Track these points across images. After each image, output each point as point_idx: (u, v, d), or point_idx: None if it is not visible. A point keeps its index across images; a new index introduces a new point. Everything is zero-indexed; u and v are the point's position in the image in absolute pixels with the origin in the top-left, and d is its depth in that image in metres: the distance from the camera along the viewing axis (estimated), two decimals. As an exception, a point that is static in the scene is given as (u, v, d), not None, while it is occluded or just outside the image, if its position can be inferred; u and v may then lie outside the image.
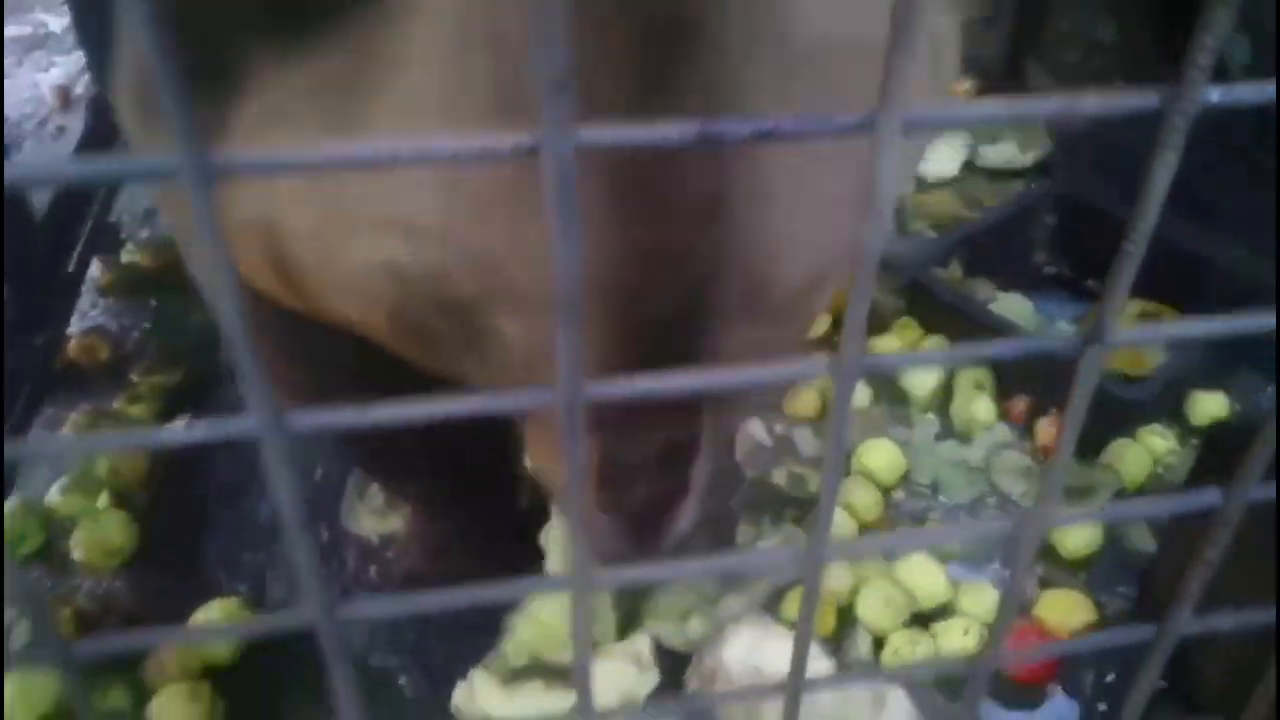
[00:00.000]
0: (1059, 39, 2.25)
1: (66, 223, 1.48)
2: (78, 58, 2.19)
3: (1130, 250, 0.30)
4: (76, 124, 1.91)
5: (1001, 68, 2.05)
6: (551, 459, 0.67)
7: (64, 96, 1.99)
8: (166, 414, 1.31)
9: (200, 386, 1.35)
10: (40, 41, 2.23)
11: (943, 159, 1.85)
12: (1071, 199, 1.60)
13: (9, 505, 1.14)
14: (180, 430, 0.27)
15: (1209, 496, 0.37)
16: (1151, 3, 1.98)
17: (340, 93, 0.51)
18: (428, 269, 0.52)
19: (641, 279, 0.50)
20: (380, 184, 0.51)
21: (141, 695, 0.99)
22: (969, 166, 1.85)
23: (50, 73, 2.09)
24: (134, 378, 1.32)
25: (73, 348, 1.36)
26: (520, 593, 0.39)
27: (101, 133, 1.74)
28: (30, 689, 0.97)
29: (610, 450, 0.59)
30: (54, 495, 1.17)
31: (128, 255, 1.56)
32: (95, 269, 1.54)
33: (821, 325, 1.34)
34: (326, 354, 0.69)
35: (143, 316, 1.50)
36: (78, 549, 1.13)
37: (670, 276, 0.51)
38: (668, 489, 0.63)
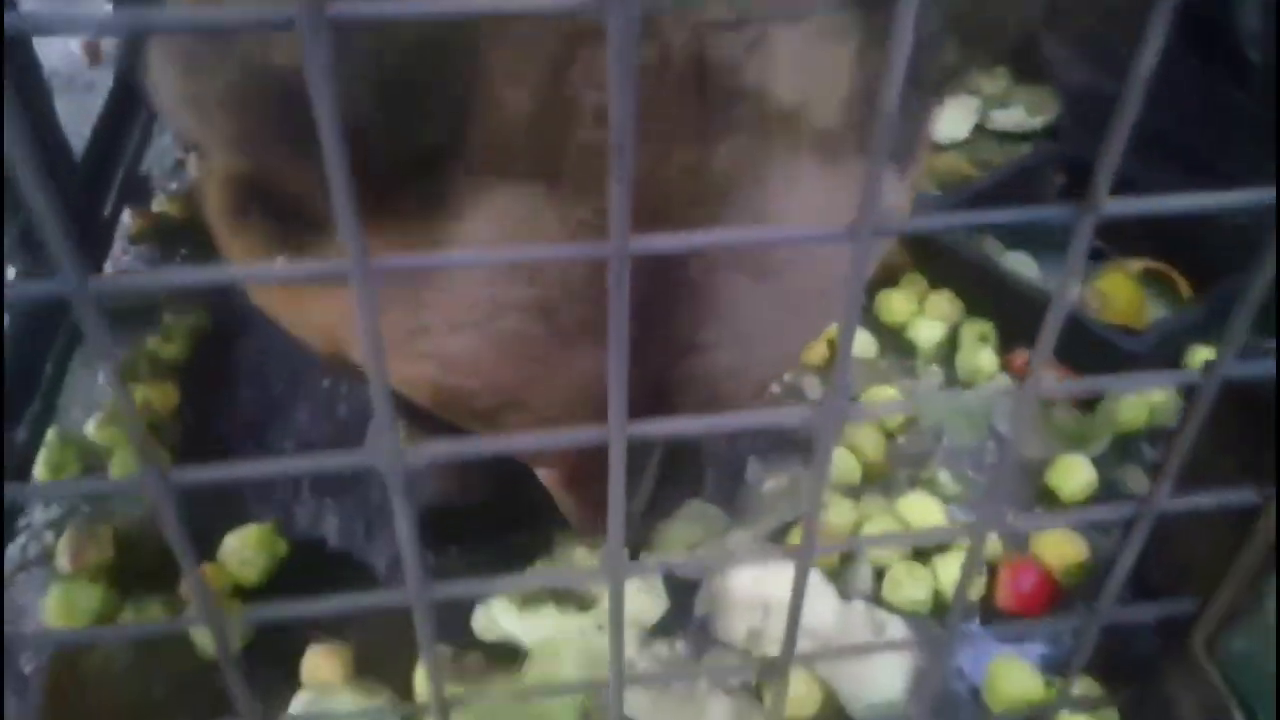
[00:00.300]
0: (1074, 5, 2.26)
1: (100, 171, 1.53)
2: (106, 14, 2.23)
3: (1119, 123, 0.33)
4: (105, 80, 1.95)
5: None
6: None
7: (93, 53, 2.03)
8: (196, 353, 1.36)
9: (226, 329, 1.40)
10: (71, 1, 2.27)
11: (953, 122, 1.87)
12: (1079, 159, 1.63)
13: (49, 435, 1.19)
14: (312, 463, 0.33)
15: (1188, 376, 0.41)
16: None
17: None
18: (456, 388, 0.67)
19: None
20: (425, 320, 0.64)
21: (177, 611, 1.05)
22: (979, 129, 1.87)
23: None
24: (166, 318, 1.37)
25: (107, 290, 1.41)
26: (558, 582, 0.44)
27: (129, 88, 1.78)
28: (72, 600, 1.03)
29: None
30: (90, 427, 1.23)
31: (158, 206, 1.61)
32: (127, 218, 1.59)
33: (817, 352, 1.38)
34: None
35: (173, 262, 1.55)
36: (118, 476, 1.18)
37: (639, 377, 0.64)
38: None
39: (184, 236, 1.58)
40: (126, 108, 1.69)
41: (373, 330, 0.32)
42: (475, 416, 0.70)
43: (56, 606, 1.02)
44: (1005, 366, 1.36)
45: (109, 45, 2.08)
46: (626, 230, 0.30)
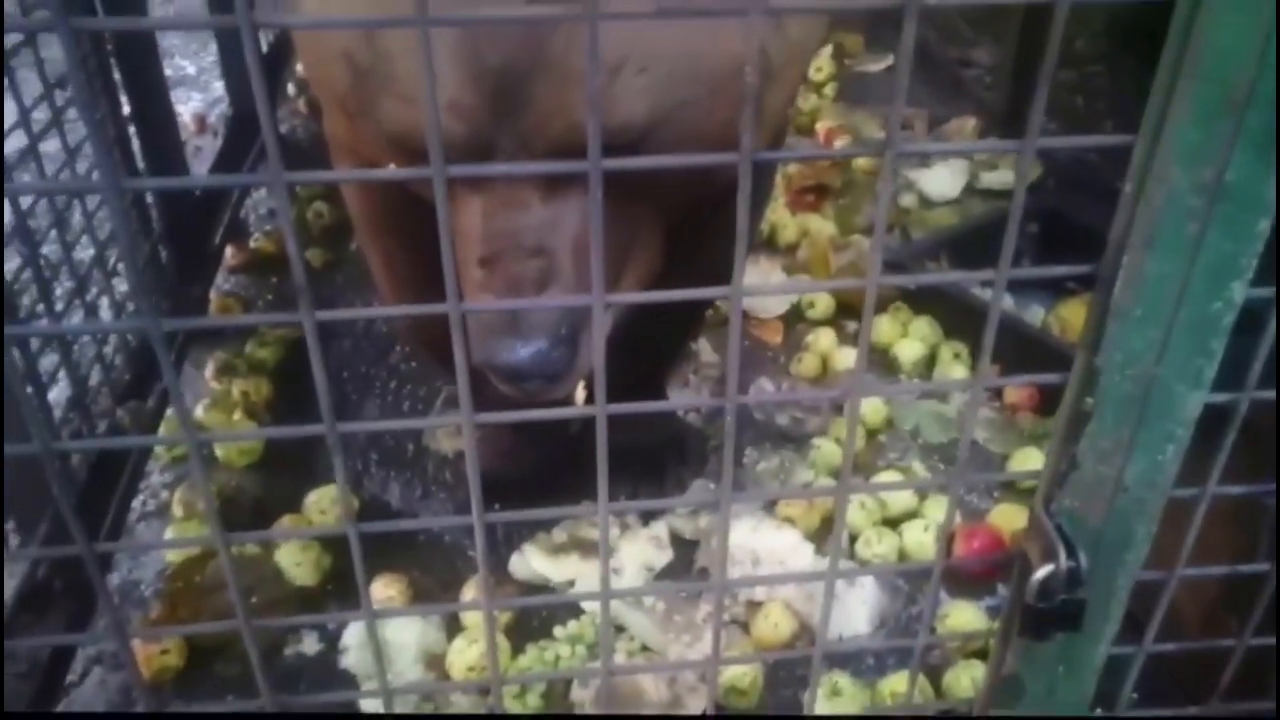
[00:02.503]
0: (1059, 85, 2.51)
1: (209, 214, 1.82)
2: (211, 94, 2.60)
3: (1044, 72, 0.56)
4: (208, 145, 2.28)
5: (1005, 109, 2.31)
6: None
7: (200, 123, 2.37)
8: (287, 358, 1.61)
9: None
10: (180, 81, 2.63)
11: (946, 182, 2.11)
12: (1052, 210, 1.85)
13: (167, 413, 1.44)
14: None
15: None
16: (1138, 55, 2.24)
17: None
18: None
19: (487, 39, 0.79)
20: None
21: (270, 548, 1.28)
22: (969, 189, 2.11)
23: (189, 105, 2.48)
24: (261, 329, 1.63)
25: (214, 305, 1.69)
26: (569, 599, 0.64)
27: (229, 153, 2.09)
28: (184, 537, 1.26)
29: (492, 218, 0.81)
30: (199, 411, 1.48)
31: (253, 243, 1.90)
32: (228, 254, 1.87)
33: (811, 368, 1.60)
34: (417, 239, 0.93)
35: (265, 290, 1.83)
36: (219, 451, 1.43)
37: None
38: (531, 266, 0.83)
39: (273, 268, 1.86)
40: (232, 165, 2.00)
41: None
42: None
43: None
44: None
45: (213, 118, 2.42)
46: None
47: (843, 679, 1.12)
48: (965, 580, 1.28)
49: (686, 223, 1.01)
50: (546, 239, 0.86)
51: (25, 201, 1.22)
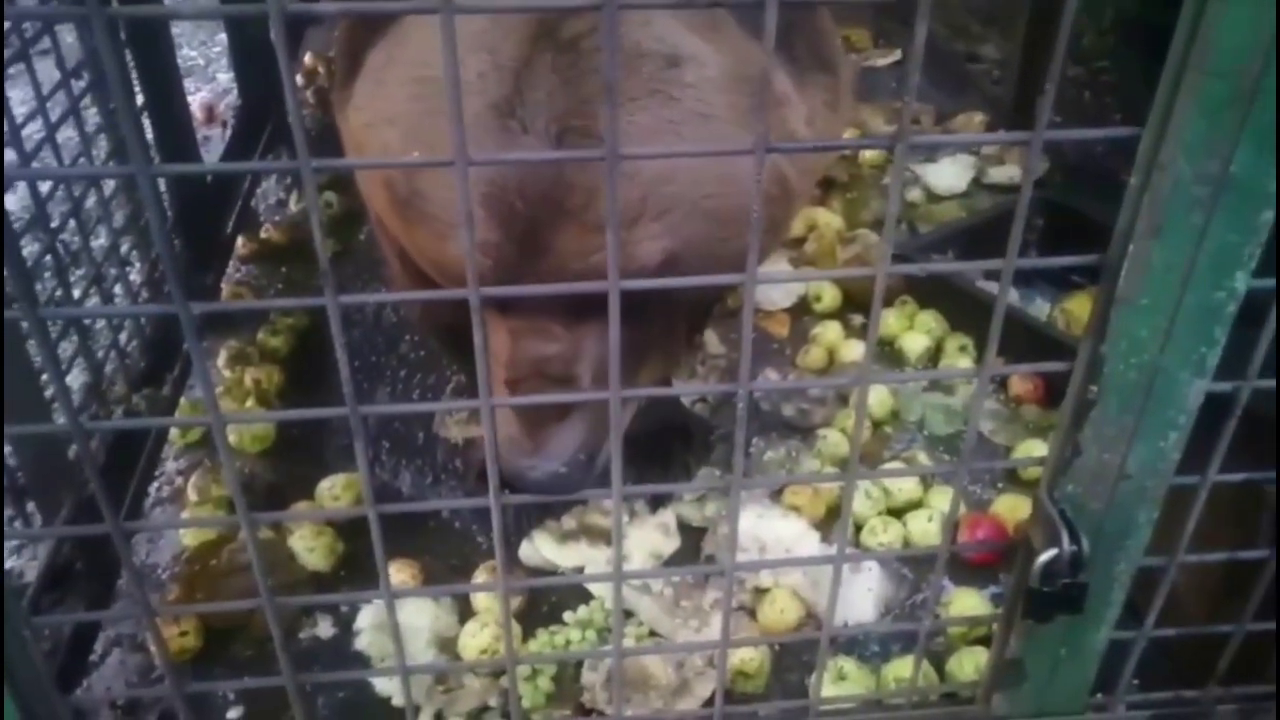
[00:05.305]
0: (1066, 80, 2.51)
1: (221, 204, 1.84)
2: (219, 84, 2.61)
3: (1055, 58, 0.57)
4: (217, 135, 2.30)
5: (1012, 104, 2.32)
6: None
7: (209, 113, 2.38)
8: (297, 346, 1.63)
9: (325, 326, 1.67)
10: (189, 71, 2.64)
11: (953, 176, 2.12)
12: (1059, 205, 1.85)
13: (181, 401, 1.46)
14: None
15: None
16: (1144, 50, 2.25)
17: None
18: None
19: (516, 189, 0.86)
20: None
21: (284, 533, 1.29)
22: (976, 183, 2.12)
23: (198, 95, 2.49)
24: (272, 317, 1.65)
25: (225, 294, 1.71)
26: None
27: (238, 143, 2.10)
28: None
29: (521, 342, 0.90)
30: (212, 399, 1.49)
31: (264, 234, 1.92)
32: (239, 243, 1.89)
33: (818, 359, 1.62)
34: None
35: (275, 279, 1.85)
36: (231, 438, 1.45)
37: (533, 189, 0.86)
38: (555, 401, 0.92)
39: (284, 258, 1.88)
40: (241, 155, 2.02)
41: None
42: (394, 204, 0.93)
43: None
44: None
45: (221, 107, 2.43)
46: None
47: (848, 664, 1.14)
48: (969, 568, 1.29)
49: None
50: (568, 367, 0.94)
51: (43, 189, 1.24)
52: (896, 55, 2.64)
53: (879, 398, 1.51)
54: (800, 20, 1.00)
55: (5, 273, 0.68)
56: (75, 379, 1.29)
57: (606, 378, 0.90)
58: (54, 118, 1.22)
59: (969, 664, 1.12)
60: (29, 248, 1.21)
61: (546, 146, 0.85)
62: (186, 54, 2.77)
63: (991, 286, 1.72)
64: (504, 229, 0.87)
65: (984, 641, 1.16)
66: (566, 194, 0.86)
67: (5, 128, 1.08)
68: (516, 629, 1.18)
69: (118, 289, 1.40)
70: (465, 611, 1.22)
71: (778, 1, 0.50)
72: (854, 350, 1.61)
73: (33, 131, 1.17)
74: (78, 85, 1.30)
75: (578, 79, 0.83)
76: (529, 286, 0.86)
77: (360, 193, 1.18)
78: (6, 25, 1.14)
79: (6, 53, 1.11)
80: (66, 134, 1.28)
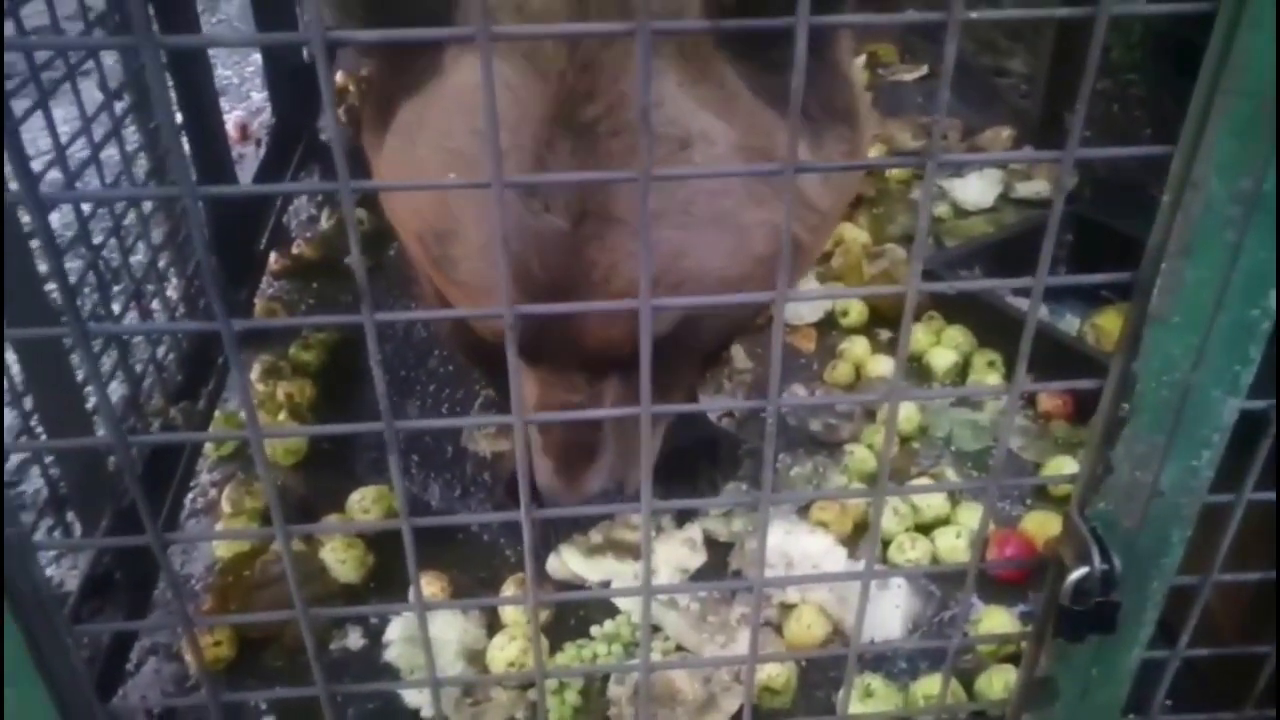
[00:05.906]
0: (1095, 94, 2.50)
1: (254, 221, 1.87)
2: (252, 103, 2.66)
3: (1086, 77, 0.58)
4: (250, 153, 2.34)
5: (1040, 119, 2.31)
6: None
7: (243, 131, 2.43)
8: (328, 361, 1.65)
9: (356, 342, 1.69)
10: (223, 91, 2.70)
11: (981, 191, 2.12)
12: (1088, 219, 1.85)
13: (215, 414, 1.48)
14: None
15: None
16: (1173, 64, 2.23)
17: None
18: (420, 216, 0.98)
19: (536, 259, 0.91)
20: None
21: (315, 545, 1.31)
22: (1003, 198, 2.11)
23: (232, 114, 2.54)
24: (305, 332, 1.67)
25: (258, 309, 1.73)
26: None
27: (271, 160, 2.14)
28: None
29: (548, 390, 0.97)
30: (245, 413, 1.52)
31: (296, 249, 1.95)
32: (272, 259, 1.92)
33: (845, 374, 1.61)
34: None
35: (307, 294, 1.87)
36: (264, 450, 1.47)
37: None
38: (582, 439, 1.01)
39: (315, 274, 1.91)
40: (274, 173, 2.05)
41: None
42: (427, 244, 0.96)
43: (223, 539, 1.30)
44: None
45: (255, 126, 2.48)
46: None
47: (875, 681, 1.13)
48: (997, 585, 1.28)
49: None
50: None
51: (86, 208, 1.27)
52: (923, 70, 2.64)
53: (906, 413, 1.51)
54: (817, 71, 1.00)
55: (56, 287, 0.69)
56: (114, 392, 1.31)
57: (625, 427, 1.05)
58: (97, 138, 1.25)
59: (998, 682, 1.12)
60: (72, 264, 1.24)
61: (567, 224, 0.89)
62: (221, 73, 2.83)
63: (1020, 302, 1.71)
64: (527, 295, 0.92)
65: (1013, 659, 1.15)
66: (588, 269, 0.90)
67: (52, 148, 1.11)
68: (544, 642, 1.19)
69: (155, 304, 1.42)
70: (493, 624, 1.23)
71: (806, 29, 0.51)
72: (881, 365, 1.61)
73: (76, 150, 1.20)
74: (119, 106, 1.33)
75: (595, 166, 0.88)
76: (560, 305, 0.88)
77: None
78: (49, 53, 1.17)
79: (52, 75, 1.14)
80: (107, 152, 1.32)
